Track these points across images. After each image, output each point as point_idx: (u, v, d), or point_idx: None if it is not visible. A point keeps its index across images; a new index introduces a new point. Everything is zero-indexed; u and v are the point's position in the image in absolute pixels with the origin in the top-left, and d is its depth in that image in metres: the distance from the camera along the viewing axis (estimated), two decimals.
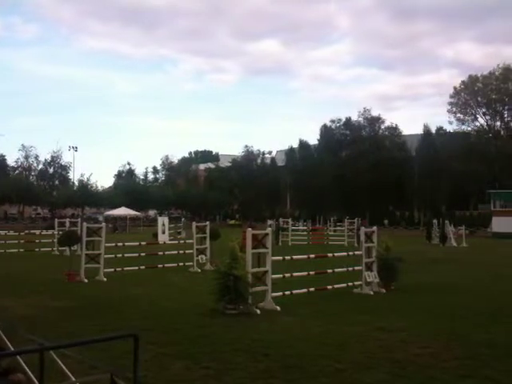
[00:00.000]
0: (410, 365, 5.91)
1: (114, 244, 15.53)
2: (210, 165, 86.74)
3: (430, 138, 66.35)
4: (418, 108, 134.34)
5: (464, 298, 11.09)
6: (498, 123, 69.22)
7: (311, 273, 11.12)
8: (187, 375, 5.49)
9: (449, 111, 70.31)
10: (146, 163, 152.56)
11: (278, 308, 9.25)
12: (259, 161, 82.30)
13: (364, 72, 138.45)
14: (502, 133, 68.28)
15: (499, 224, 47.70)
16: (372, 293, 11.42)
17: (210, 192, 74.07)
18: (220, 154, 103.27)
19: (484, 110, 69.33)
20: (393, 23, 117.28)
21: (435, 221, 36.98)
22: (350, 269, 11.82)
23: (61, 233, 19.36)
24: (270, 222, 37.28)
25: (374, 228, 12.60)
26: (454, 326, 8.09)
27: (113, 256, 14.82)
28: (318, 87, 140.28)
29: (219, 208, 79.16)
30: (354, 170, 65.62)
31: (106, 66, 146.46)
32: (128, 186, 71.17)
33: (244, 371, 5.59)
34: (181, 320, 8.33)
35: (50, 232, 25.24)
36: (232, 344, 6.77)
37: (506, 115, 68.58)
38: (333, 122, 75.08)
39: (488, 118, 69.53)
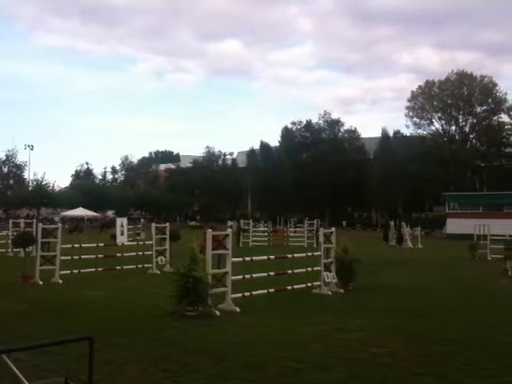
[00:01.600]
0: (367, 364, 6.01)
1: (70, 245, 15.17)
2: (171, 165, 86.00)
3: (387, 142, 67.89)
4: (378, 111, 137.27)
5: (420, 297, 11.38)
6: (453, 128, 71.41)
7: (271, 274, 11.17)
8: (144, 378, 5.42)
9: (406, 115, 72.13)
10: (104, 163, 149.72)
11: (238, 309, 9.25)
12: (220, 162, 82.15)
13: (325, 75, 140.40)
14: (456, 137, 70.46)
15: (453, 225, 49.23)
16: (330, 293, 11.57)
17: (171, 193, 73.38)
18: (181, 154, 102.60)
19: (440, 115, 71.40)
20: (354, 27, 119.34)
21: (392, 222, 37.78)
22: (309, 269, 11.93)
23: (15, 234, 18.77)
24: (230, 223, 37.28)
25: (333, 229, 12.77)
26: (410, 325, 8.28)
27: (69, 258, 14.46)
28: (279, 89, 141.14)
29: (180, 209, 78.56)
30: (315, 172, 66.42)
31: (65, 63, 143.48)
32: (86, 186, 69.77)
33: (202, 373, 5.56)
34: (139, 323, 8.22)
35: (4, 233, 24.46)
36: (191, 346, 6.72)
37: (460, 120, 70.82)
38: (294, 124, 75.85)
39: (443, 122, 71.65)
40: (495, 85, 68.81)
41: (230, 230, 10.61)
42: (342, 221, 63.34)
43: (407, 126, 72.65)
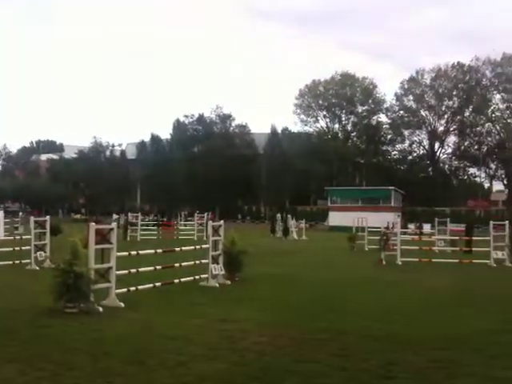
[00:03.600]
0: (249, 353, 6.18)
1: None
2: (54, 156, 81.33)
3: (276, 138, 69.94)
4: (270, 108, 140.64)
5: (303, 287, 11.93)
6: (337, 126, 75.39)
7: (158, 267, 11.03)
8: (19, 379, 5.12)
9: (294, 112, 74.85)
10: None
11: (122, 304, 9.04)
12: (108, 153, 79.27)
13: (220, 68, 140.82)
14: (339, 135, 74.38)
15: (335, 218, 52.09)
16: (217, 285, 11.72)
17: (53, 185, 69.42)
18: (65, 144, 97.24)
19: (324, 113, 74.98)
20: (249, 23, 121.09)
21: (279, 215, 39.05)
22: (198, 262, 11.98)
23: None
24: (115, 216, 36.09)
25: (221, 222, 12.92)
26: (292, 314, 8.64)
27: None
28: (172, 80, 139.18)
29: (63, 202, 74.62)
30: (206, 165, 66.60)
31: None
32: None
33: (82, 371, 5.38)
34: (15, 321, 7.72)
35: None
36: (70, 344, 6.46)
37: (343, 119, 74.90)
38: (186, 117, 75.33)
39: (328, 120, 75.36)
40: (375, 86, 73.71)
41: (114, 223, 10.32)
42: (232, 214, 64.24)
43: (295, 123, 75.42)
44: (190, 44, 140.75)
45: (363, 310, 9.21)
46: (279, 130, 71.72)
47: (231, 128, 73.75)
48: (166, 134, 77.16)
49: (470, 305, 9.97)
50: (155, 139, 75.68)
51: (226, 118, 73.36)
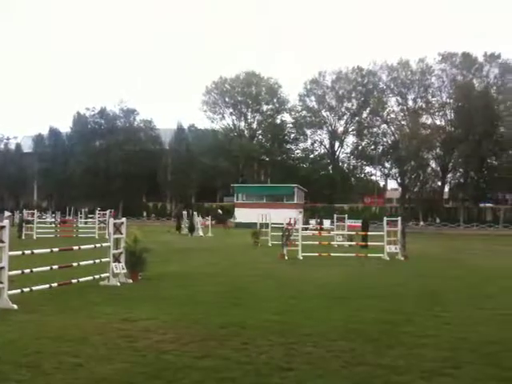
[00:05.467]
0: (150, 352, 6.09)
1: None
2: None
3: (182, 134, 69.25)
4: (177, 104, 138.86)
5: (206, 284, 11.91)
6: (243, 123, 76.07)
7: (54, 267, 10.52)
8: None
9: (200, 109, 74.49)
10: None
11: (16, 306, 8.53)
12: (2, 146, 74.21)
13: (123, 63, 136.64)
14: (245, 132, 75.20)
15: (241, 215, 52.69)
16: (119, 284, 11.42)
17: None
18: None
19: (231, 111, 75.37)
20: (156, 17, 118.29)
21: (185, 212, 38.80)
22: (98, 261, 11.58)
23: None
24: (7, 213, 33.93)
25: (123, 219, 12.59)
26: (196, 311, 8.60)
27: None
28: (74, 72, 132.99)
29: None
30: (108, 160, 64.50)
31: None
32: None
33: None
34: None
35: None
36: None
37: (249, 117, 75.76)
38: (88, 110, 72.33)
39: (234, 118, 75.84)
40: (280, 86, 75.30)
41: (6, 221, 9.70)
42: (136, 211, 62.82)
43: (202, 120, 75.20)
44: (94, 35, 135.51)
45: (265, 304, 9.42)
46: (185, 127, 71.11)
47: (135, 123, 71.87)
48: (66, 127, 73.60)
49: (365, 297, 10.53)
50: (54, 132, 71.96)
51: (130, 113, 71.27)
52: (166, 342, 6.55)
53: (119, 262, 11.74)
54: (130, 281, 11.83)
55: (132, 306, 8.98)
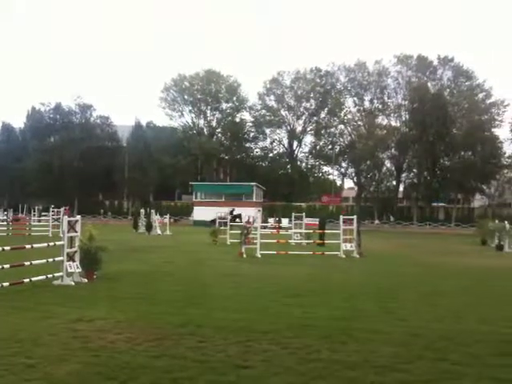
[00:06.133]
0: (104, 352, 6.00)
1: None
2: None
3: (140, 131, 68.20)
4: (135, 101, 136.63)
5: (163, 283, 11.81)
6: (202, 121, 75.68)
7: (6, 266, 10.21)
8: None
9: (159, 106, 73.68)
10: None
11: None
12: None
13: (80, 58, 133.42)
14: (204, 130, 74.84)
15: (199, 213, 52.51)
16: (73, 283, 11.17)
17: None
18: None
19: (190, 108, 74.88)
20: (116, 13, 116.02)
21: (142, 210, 38.30)
22: (51, 260, 11.30)
23: None
24: None
25: (78, 217, 12.32)
26: (152, 310, 8.49)
27: None
28: (29, 66, 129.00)
29: None
30: (63, 157, 62.97)
31: None
32: None
33: None
34: None
35: None
36: None
37: (208, 114, 75.45)
38: (42, 105, 70.36)
39: (193, 115, 75.37)
40: (239, 85, 75.33)
41: None
42: (92, 209, 61.58)
43: (161, 117, 74.32)
44: (49, 29, 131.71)
45: (222, 302, 9.42)
46: (144, 123, 70.09)
47: (92, 119, 70.34)
48: (19, 122, 71.37)
49: (321, 294, 10.69)
50: (6, 127, 69.70)
51: (86, 108, 69.66)
52: (121, 342, 6.45)
53: (74, 260, 11.49)
54: (85, 280, 11.58)
55: (86, 305, 8.81)
